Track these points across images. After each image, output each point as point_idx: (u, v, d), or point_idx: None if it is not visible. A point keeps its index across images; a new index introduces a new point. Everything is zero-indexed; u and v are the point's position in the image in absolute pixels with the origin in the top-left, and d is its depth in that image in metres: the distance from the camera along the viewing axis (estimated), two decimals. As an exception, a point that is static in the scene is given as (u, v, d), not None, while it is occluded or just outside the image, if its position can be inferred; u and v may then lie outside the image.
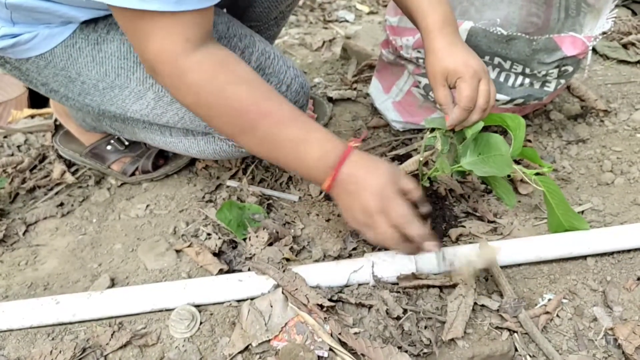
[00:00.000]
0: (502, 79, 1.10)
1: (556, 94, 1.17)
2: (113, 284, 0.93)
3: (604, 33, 1.03)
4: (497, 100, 1.11)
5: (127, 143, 1.20)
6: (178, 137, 1.01)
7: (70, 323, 0.84)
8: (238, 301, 0.84)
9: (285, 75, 0.95)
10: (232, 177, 1.17)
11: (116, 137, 1.19)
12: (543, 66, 1.04)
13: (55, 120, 1.31)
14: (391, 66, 1.29)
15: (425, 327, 0.78)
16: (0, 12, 0.83)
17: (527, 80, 1.09)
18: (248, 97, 0.75)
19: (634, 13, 1.93)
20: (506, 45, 1.02)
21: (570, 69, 1.05)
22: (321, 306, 0.80)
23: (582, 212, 1.02)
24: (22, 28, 0.84)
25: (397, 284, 0.84)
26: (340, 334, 0.76)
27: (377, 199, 0.74)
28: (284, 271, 0.84)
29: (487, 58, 1.07)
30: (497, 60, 1.07)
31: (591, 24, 1.11)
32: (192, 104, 0.77)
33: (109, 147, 1.19)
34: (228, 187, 1.14)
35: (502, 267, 0.87)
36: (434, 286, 0.84)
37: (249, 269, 0.89)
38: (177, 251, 0.98)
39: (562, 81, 1.09)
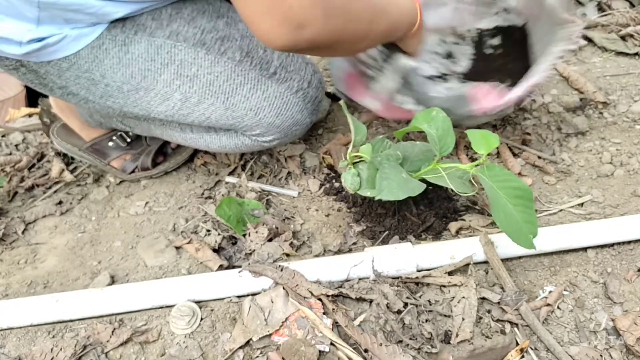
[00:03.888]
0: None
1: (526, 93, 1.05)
2: (113, 281, 0.93)
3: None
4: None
5: (129, 140, 1.18)
6: (199, 133, 1.01)
7: (71, 320, 0.84)
8: (238, 297, 0.84)
9: (305, 72, 0.95)
10: (231, 173, 1.16)
11: (119, 133, 1.18)
12: None
13: (41, 116, 1.23)
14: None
15: (427, 321, 0.78)
16: (28, 11, 0.76)
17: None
18: None
19: (632, 5, 1.92)
20: None
21: None
22: (327, 296, 0.80)
23: (582, 204, 1.02)
24: (48, 30, 0.79)
25: (398, 278, 0.84)
26: (347, 326, 0.76)
27: None
28: (281, 270, 0.84)
29: None
30: None
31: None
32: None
33: (110, 144, 1.17)
34: (227, 183, 1.13)
35: (502, 259, 0.87)
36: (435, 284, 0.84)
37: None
38: (177, 248, 0.98)
39: None
